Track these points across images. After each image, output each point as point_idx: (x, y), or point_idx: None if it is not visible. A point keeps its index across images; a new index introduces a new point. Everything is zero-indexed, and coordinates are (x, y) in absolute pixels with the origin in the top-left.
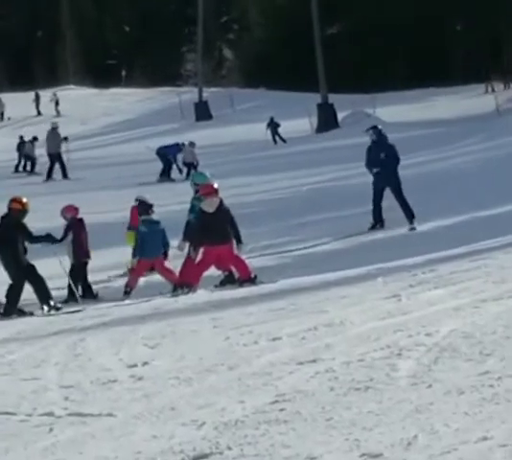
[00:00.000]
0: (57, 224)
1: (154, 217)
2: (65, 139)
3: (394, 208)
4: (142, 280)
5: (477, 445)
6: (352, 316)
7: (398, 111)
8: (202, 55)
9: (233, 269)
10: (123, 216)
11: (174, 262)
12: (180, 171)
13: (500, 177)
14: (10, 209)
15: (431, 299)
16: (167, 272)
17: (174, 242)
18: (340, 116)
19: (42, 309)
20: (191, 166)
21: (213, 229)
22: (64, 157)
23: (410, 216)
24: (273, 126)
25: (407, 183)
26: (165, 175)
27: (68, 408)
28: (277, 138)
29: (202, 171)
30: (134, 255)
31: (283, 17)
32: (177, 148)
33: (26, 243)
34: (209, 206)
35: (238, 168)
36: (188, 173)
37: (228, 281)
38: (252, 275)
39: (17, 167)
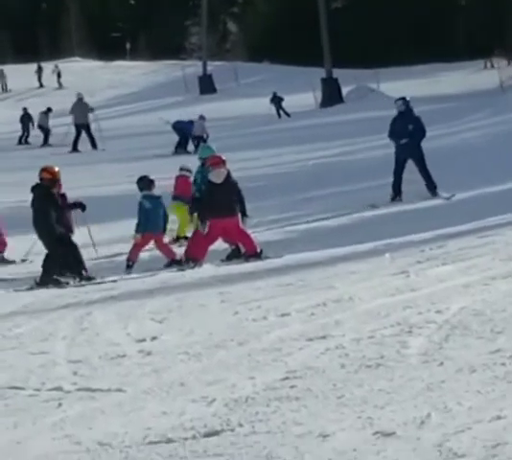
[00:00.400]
0: (72, 196)
1: (155, 192)
2: (92, 109)
3: (406, 182)
4: (147, 254)
5: (491, 424)
6: (361, 292)
7: (402, 86)
8: (207, 28)
9: (239, 243)
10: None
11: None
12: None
13: (507, 153)
14: (41, 179)
15: (440, 275)
16: (165, 248)
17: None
18: (345, 91)
19: (74, 278)
20: (200, 139)
21: (220, 201)
22: (92, 127)
23: (433, 187)
24: (277, 100)
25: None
26: (181, 148)
27: (77, 383)
28: (281, 112)
29: (209, 144)
30: (138, 230)
31: None
32: (192, 125)
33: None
34: (217, 177)
35: (243, 142)
36: (197, 146)
37: (235, 255)
38: (258, 250)
39: (21, 138)
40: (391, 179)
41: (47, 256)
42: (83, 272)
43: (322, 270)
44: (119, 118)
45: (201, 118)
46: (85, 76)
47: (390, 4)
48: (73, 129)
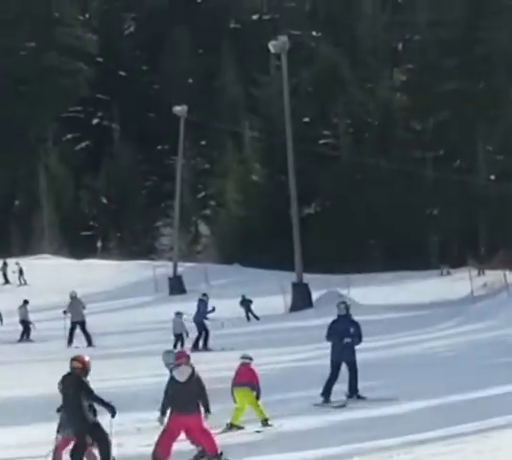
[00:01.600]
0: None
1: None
2: (83, 307)
3: (372, 388)
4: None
5: None
6: None
7: (372, 292)
8: (178, 229)
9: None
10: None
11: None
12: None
13: (474, 362)
14: (72, 368)
15: None
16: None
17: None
18: (315, 295)
19: None
20: (180, 337)
21: (182, 399)
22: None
23: (355, 390)
24: (246, 303)
25: (380, 365)
26: (197, 345)
27: None
28: (250, 315)
29: (170, 349)
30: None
31: (260, 195)
32: (204, 303)
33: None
34: (180, 375)
35: (213, 343)
36: (175, 346)
37: (201, 456)
38: (219, 451)
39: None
40: (342, 386)
41: (74, 446)
42: None
43: None
44: (88, 316)
45: (178, 315)
46: (55, 273)
47: (362, 212)
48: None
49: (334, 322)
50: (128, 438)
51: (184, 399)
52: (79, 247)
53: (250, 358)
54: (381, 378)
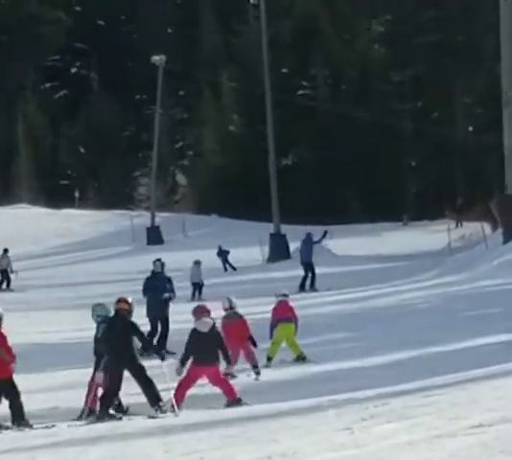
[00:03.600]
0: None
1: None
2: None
3: (346, 339)
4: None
5: None
6: (305, 447)
7: (349, 244)
8: (156, 179)
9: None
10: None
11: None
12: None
13: (448, 314)
14: (117, 310)
15: (385, 433)
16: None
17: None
18: (292, 247)
19: (156, 411)
20: (197, 285)
21: (204, 350)
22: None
23: (164, 346)
24: (223, 254)
25: (358, 315)
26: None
27: None
28: (227, 266)
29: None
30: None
31: (238, 145)
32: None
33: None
34: (203, 326)
35: (188, 294)
36: (193, 294)
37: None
38: (238, 396)
39: None
40: (329, 336)
41: (145, 381)
42: (161, 403)
43: (267, 423)
44: (63, 266)
45: (197, 263)
46: (32, 223)
47: (340, 163)
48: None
49: (149, 279)
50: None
51: (206, 349)
52: (56, 197)
53: (287, 295)
54: (357, 329)
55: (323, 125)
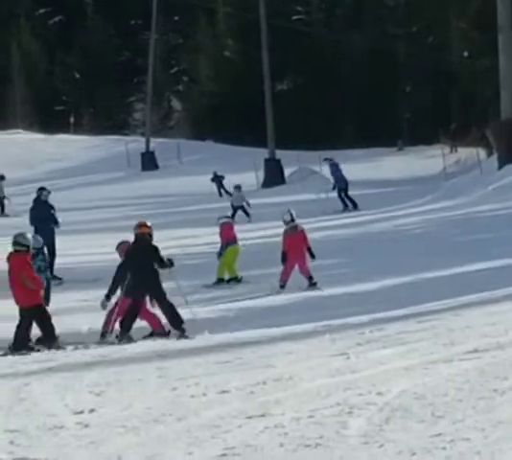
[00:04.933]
0: None
1: None
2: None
3: (340, 265)
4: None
5: None
6: (301, 372)
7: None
8: (151, 105)
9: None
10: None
11: None
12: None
13: (441, 240)
14: (139, 234)
15: (380, 358)
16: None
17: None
18: (287, 172)
19: (181, 333)
20: (240, 208)
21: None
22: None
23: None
24: (218, 179)
25: (352, 241)
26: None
27: (14, 453)
28: (222, 191)
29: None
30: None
31: (233, 71)
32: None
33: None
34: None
35: (184, 219)
36: (233, 216)
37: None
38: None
39: None
40: (322, 262)
41: (168, 304)
42: (183, 326)
43: (261, 349)
44: (59, 191)
45: (237, 188)
46: (27, 148)
47: (334, 87)
48: None
49: (33, 209)
50: None
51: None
52: (51, 123)
53: (228, 217)
54: (350, 255)
55: (318, 50)
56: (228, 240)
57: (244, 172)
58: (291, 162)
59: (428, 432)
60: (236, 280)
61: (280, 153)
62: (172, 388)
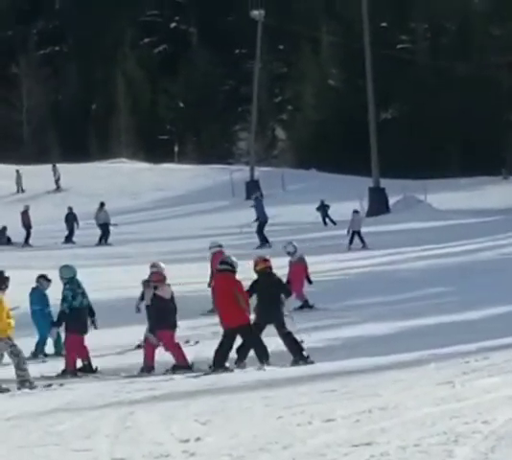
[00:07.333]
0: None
1: None
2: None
3: (446, 294)
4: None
5: None
6: (406, 401)
7: (448, 198)
8: (255, 134)
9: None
10: None
11: None
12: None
13: None
14: (264, 269)
15: (486, 387)
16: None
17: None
18: (392, 201)
19: (301, 360)
20: (356, 234)
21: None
22: None
23: None
24: (324, 208)
25: (457, 270)
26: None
27: None
28: (327, 220)
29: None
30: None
31: (337, 100)
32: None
33: None
34: (165, 293)
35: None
36: (351, 241)
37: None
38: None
39: (67, 238)
40: (429, 290)
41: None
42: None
43: (366, 378)
44: (162, 220)
45: (356, 213)
46: (131, 177)
47: (439, 117)
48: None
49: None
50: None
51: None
52: (155, 152)
53: (221, 245)
54: (457, 283)
55: (422, 78)
56: None
57: (348, 200)
58: (396, 191)
59: None
60: None
61: (384, 182)
62: (278, 417)
